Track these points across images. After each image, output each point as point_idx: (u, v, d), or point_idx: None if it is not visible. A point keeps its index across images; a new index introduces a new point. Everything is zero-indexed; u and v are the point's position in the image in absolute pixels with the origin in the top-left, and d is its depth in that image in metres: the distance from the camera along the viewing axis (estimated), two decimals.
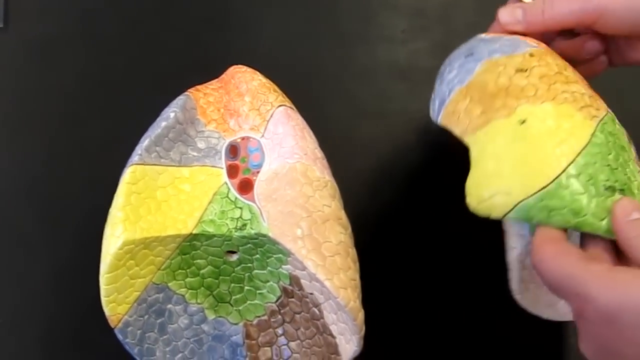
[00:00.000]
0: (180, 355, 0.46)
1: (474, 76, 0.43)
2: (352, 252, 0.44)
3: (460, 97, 0.42)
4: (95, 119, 0.59)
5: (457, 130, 0.42)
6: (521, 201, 0.38)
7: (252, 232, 0.44)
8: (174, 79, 0.53)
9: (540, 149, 0.39)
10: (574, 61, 0.47)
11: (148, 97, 0.51)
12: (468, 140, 0.41)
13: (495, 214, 0.39)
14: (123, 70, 0.61)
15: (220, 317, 0.47)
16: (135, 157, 0.45)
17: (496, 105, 0.41)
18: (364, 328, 0.41)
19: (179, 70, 0.61)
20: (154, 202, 0.45)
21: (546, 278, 0.37)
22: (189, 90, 0.50)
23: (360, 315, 0.41)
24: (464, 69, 0.43)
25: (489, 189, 0.39)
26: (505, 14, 0.48)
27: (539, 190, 0.38)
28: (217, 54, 0.62)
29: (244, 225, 0.45)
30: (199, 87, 0.51)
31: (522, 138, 0.39)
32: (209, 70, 0.54)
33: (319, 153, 0.48)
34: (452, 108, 0.43)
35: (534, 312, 0.45)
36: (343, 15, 0.64)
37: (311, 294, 0.44)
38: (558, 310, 0.46)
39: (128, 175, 0.44)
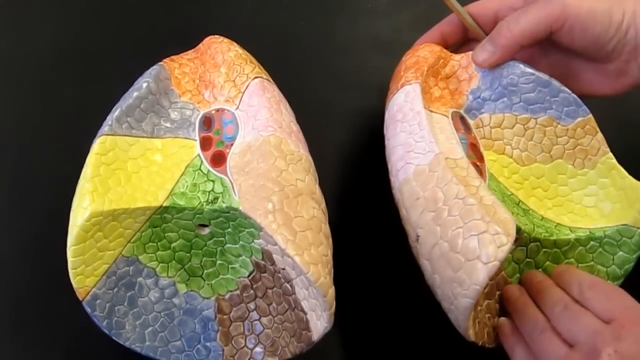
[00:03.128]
0: (150, 329, 0.45)
1: None
2: (325, 227, 0.43)
3: None
4: (69, 88, 0.58)
5: None
6: None
7: (224, 205, 0.43)
8: (151, 49, 0.52)
9: None
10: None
11: (124, 66, 0.50)
12: None
13: None
14: (99, 39, 0.60)
15: (191, 291, 0.46)
16: (105, 128, 0.44)
17: None
18: (334, 304, 0.41)
19: (157, 39, 0.60)
20: (124, 174, 0.44)
21: None
22: (164, 60, 0.49)
23: (331, 291, 0.40)
24: None
25: None
26: (478, 54, 0.48)
27: None
28: (197, 23, 0.61)
29: (216, 198, 0.44)
30: (174, 57, 0.50)
31: None
32: (188, 40, 0.53)
33: (294, 126, 0.47)
34: None
35: None
36: None
37: (283, 269, 0.43)
38: None
39: (97, 145, 0.43)
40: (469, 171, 0.43)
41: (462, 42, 0.53)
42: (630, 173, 0.45)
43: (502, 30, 0.46)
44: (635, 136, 0.57)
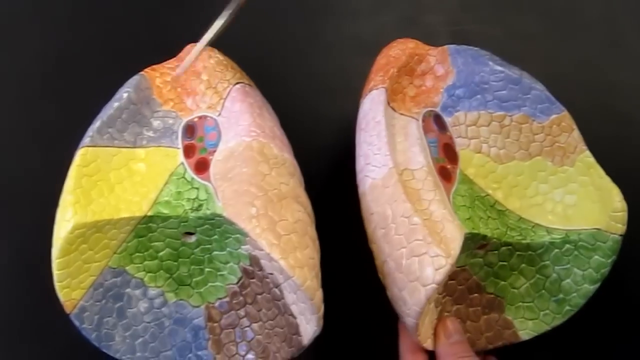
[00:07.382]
0: (140, 339, 0.45)
1: None
2: (311, 230, 0.43)
3: None
4: (51, 101, 0.58)
5: None
6: None
7: (208, 212, 0.43)
8: (134, 60, 0.52)
9: None
10: None
11: (107, 78, 0.49)
12: None
13: None
14: (81, 51, 0.60)
15: (181, 300, 0.46)
16: (86, 139, 0.44)
17: None
18: (322, 308, 0.40)
19: (140, 50, 0.60)
20: (107, 185, 0.44)
21: None
22: (144, 70, 0.49)
23: (318, 294, 0.40)
24: None
25: None
26: None
27: None
28: (179, 32, 0.60)
29: (200, 205, 0.44)
30: (155, 66, 0.50)
31: None
32: (171, 50, 0.52)
33: (277, 130, 0.46)
34: None
35: None
36: None
37: (271, 274, 0.43)
38: None
39: (79, 157, 0.43)
40: (425, 183, 0.43)
41: None
42: (613, 169, 0.44)
43: None
44: (620, 132, 0.56)
